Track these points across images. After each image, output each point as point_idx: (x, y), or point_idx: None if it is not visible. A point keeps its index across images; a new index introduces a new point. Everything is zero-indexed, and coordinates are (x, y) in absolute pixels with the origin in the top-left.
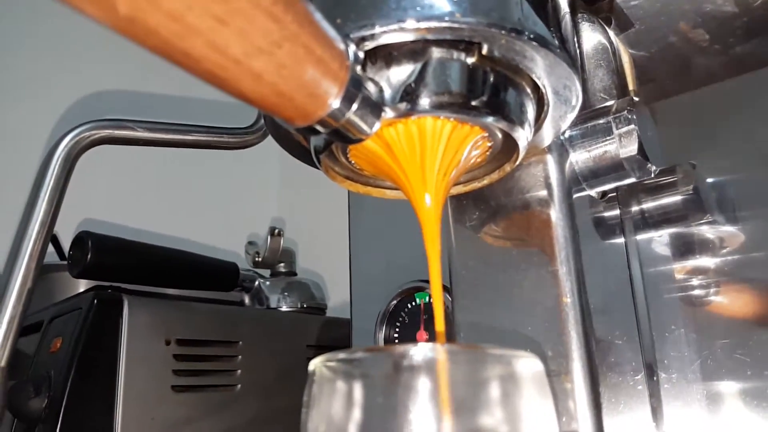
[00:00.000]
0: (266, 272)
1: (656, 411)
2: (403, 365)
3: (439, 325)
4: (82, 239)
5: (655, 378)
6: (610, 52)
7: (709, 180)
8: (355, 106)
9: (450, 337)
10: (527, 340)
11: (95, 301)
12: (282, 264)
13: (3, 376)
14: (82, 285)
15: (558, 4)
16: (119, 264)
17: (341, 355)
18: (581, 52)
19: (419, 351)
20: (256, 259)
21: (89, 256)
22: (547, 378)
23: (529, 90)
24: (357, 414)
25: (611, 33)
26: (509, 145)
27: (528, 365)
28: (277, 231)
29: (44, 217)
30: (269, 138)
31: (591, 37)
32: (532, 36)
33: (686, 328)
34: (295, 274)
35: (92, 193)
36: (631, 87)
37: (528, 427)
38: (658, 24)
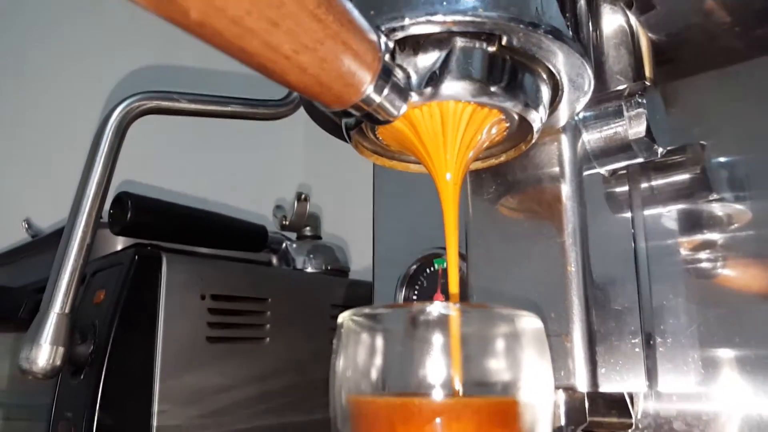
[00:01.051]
0: (293, 235)
1: (651, 372)
2: (419, 320)
3: (453, 287)
4: (121, 199)
5: (651, 342)
6: (628, 34)
7: (721, 159)
8: (385, 92)
9: (464, 300)
10: (534, 304)
11: (136, 257)
12: (308, 228)
13: (66, 322)
14: (120, 243)
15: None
16: (156, 223)
17: (366, 310)
18: (600, 35)
19: (434, 308)
20: (284, 222)
21: (129, 215)
22: (548, 337)
23: (545, 76)
24: (378, 360)
25: (631, 15)
26: (525, 126)
27: (529, 323)
28: (303, 196)
29: (100, 179)
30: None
31: (611, 20)
32: (548, 29)
33: (684, 298)
34: (320, 238)
35: (130, 157)
36: (647, 69)
37: (527, 375)
38: (680, 6)
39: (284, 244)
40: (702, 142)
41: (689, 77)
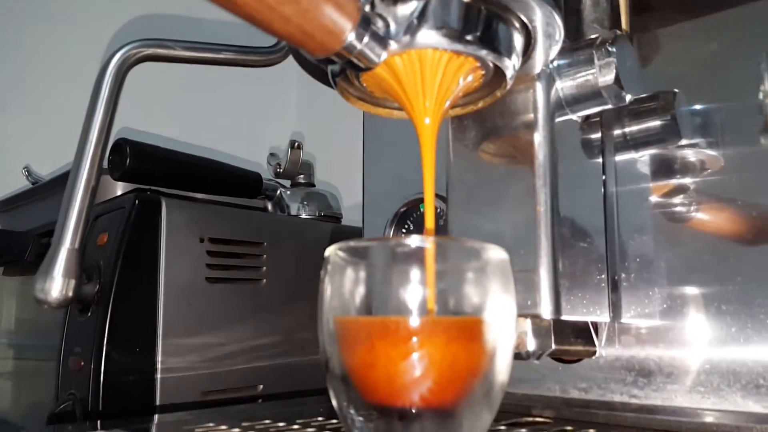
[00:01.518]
0: (287, 183)
1: (615, 306)
2: (398, 252)
3: (429, 222)
4: (120, 146)
5: (616, 278)
6: None
7: (693, 107)
8: (365, 40)
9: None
10: (507, 241)
11: (137, 201)
12: (301, 175)
13: (77, 257)
14: (119, 188)
15: None
16: (155, 169)
17: (350, 243)
18: None
19: (411, 241)
20: (278, 170)
21: (128, 161)
22: (518, 272)
23: (518, 26)
24: (361, 289)
25: None
26: (500, 73)
27: (495, 254)
28: (297, 144)
29: (101, 124)
30: (290, 58)
31: None
32: None
33: (651, 238)
34: (314, 185)
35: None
36: (623, 19)
37: (492, 300)
38: None
39: (279, 191)
40: (675, 89)
41: (667, 26)
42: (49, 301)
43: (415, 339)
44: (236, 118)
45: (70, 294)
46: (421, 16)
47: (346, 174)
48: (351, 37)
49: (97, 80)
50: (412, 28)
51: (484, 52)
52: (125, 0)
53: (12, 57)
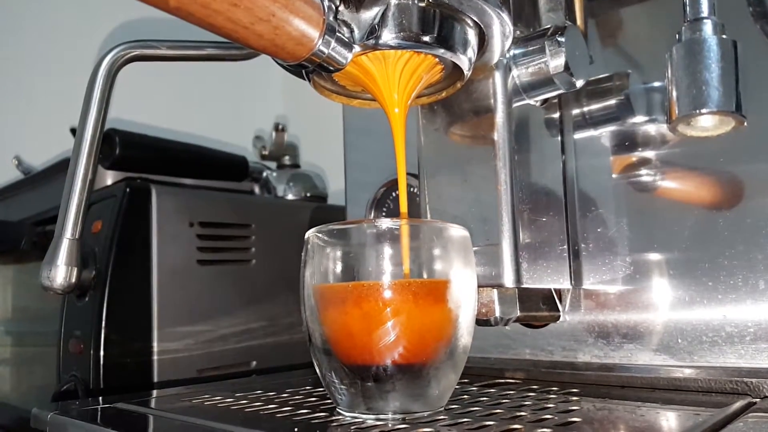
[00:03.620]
0: (273, 165)
1: (576, 273)
2: (370, 233)
3: (403, 206)
4: (110, 135)
5: (576, 248)
6: None
7: (648, 85)
8: (332, 46)
9: (418, 212)
10: (473, 217)
11: (128, 189)
12: (287, 157)
13: (77, 246)
14: (109, 177)
15: None
16: (143, 157)
17: (328, 227)
18: None
19: (382, 223)
20: (263, 152)
21: (117, 150)
22: (484, 246)
23: (471, 24)
24: (338, 267)
25: None
26: (459, 67)
27: (457, 232)
28: (281, 126)
29: (95, 122)
30: None
31: None
32: None
33: (608, 210)
34: (299, 167)
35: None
36: (577, 8)
37: (455, 270)
38: None
39: (265, 173)
40: (628, 71)
41: (625, 7)
42: (55, 288)
43: (386, 297)
44: (222, 103)
45: (73, 281)
46: (382, 20)
47: (331, 154)
48: (318, 44)
49: (90, 81)
50: (374, 32)
51: (441, 51)
52: (113, 5)
53: (0, 49)
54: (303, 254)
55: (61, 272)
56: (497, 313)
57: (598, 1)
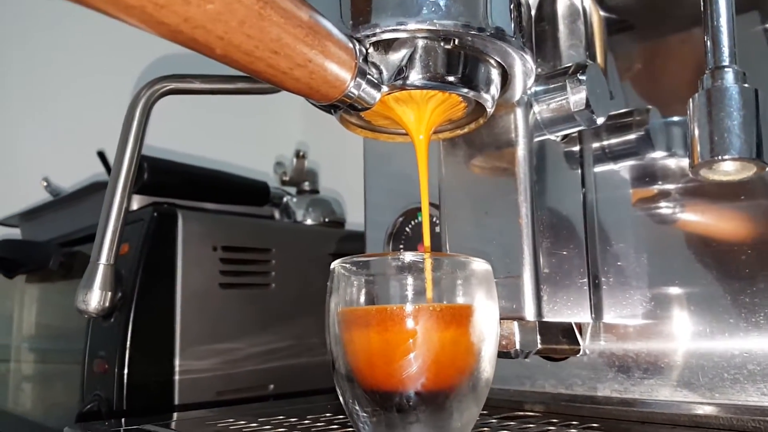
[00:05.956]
0: (292, 190)
1: (597, 307)
2: (394, 265)
3: (426, 239)
4: (139, 162)
5: (597, 282)
6: (580, 14)
7: (667, 120)
8: (362, 87)
9: (438, 242)
10: (494, 250)
11: (155, 213)
12: (306, 183)
13: (112, 272)
14: (136, 201)
15: (520, 0)
16: (170, 182)
17: (353, 258)
18: (555, 15)
19: (406, 256)
20: (284, 178)
21: (146, 176)
22: (504, 278)
23: (495, 64)
24: (362, 297)
25: None
26: (482, 104)
27: (479, 266)
28: (301, 153)
29: (131, 154)
30: None
31: (565, 1)
32: (492, 32)
33: (628, 244)
34: (318, 192)
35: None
36: (597, 46)
37: (479, 303)
38: None
39: (285, 199)
40: (648, 106)
41: (645, 42)
42: (90, 311)
43: (410, 320)
44: (244, 130)
45: (107, 304)
46: (409, 62)
47: (349, 180)
48: (350, 86)
49: (127, 114)
50: (402, 73)
51: (464, 90)
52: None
53: (29, 72)
54: (329, 283)
55: (95, 296)
56: (518, 346)
57: (618, 36)
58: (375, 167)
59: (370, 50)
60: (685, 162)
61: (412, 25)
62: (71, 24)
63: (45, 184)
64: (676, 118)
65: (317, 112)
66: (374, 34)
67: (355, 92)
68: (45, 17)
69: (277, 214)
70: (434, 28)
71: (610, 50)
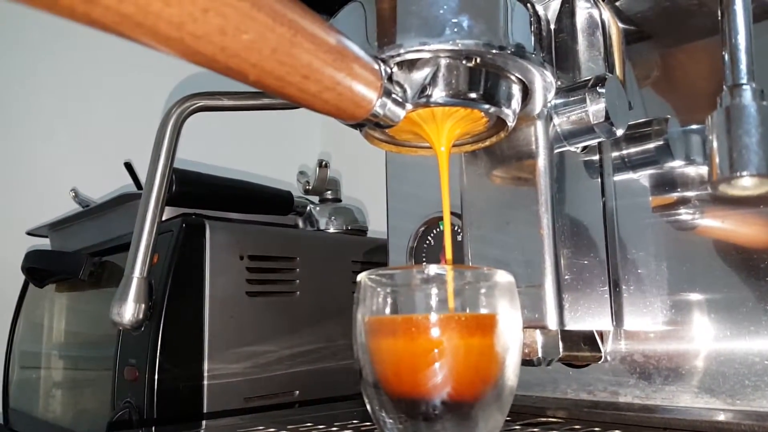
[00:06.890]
0: (315, 199)
1: (618, 314)
2: (419, 278)
3: (448, 252)
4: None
5: (618, 289)
6: (599, 26)
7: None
8: (387, 106)
9: (460, 251)
10: (516, 259)
11: (184, 225)
12: (329, 191)
13: (146, 285)
14: (164, 212)
15: (540, 15)
16: (198, 193)
17: (379, 271)
18: (574, 28)
19: (430, 269)
20: (307, 187)
21: (175, 187)
22: (526, 287)
23: (515, 80)
24: (388, 309)
25: (603, 7)
26: (503, 118)
27: (502, 277)
28: (324, 163)
29: (163, 169)
30: None
31: (584, 14)
32: (513, 50)
33: (648, 252)
34: (340, 201)
35: None
36: (616, 57)
37: (502, 313)
38: None
39: (308, 207)
40: (667, 116)
41: (663, 50)
42: (124, 323)
43: (435, 328)
44: (268, 141)
45: (141, 316)
46: (433, 80)
47: (371, 188)
48: (376, 106)
49: (159, 131)
50: (425, 91)
51: (486, 107)
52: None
53: (59, 87)
54: (356, 294)
55: (130, 309)
56: (540, 354)
57: (635, 45)
58: (396, 170)
59: (395, 69)
60: (703, 169)
61: (435, 45)
62: (101, 40)
63: (73, 194)
64: (694, 126)
65: (337, 123)
66: (399, 54)
67: (381, 111)
68: (76, 34)
69: (300, 223)
70: (457, 48)
71: (628, 59)
